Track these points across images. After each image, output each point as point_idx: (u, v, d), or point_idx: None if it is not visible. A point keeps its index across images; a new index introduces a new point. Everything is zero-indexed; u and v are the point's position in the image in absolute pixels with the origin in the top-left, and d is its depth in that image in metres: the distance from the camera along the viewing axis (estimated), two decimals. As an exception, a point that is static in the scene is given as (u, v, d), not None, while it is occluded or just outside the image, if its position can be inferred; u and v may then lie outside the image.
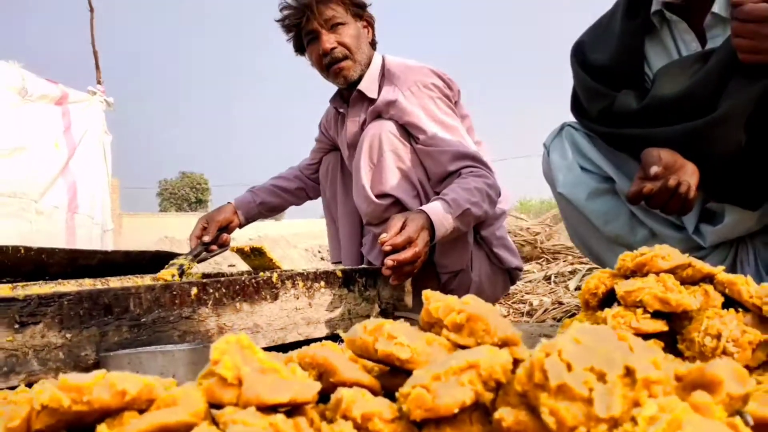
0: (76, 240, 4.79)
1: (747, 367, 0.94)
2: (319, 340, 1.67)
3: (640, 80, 1.55)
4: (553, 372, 0.49)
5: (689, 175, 1.34)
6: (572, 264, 4.06)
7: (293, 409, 0.53)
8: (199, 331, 1.51)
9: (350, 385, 0.59)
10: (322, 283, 1.74)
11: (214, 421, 0.49)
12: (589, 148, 1.66)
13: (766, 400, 0.54)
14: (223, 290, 1.57)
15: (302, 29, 2.10)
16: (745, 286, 1.03)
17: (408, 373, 0.63)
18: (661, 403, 0.44)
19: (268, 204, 2.52)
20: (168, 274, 2.11)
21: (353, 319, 1.79)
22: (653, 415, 0.43)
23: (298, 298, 1.69)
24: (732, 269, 1.56)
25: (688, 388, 0.50)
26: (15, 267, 2.20)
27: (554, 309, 3.05)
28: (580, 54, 1.63)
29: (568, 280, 3.74)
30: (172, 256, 2.91)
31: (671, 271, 1.07)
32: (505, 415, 0.51)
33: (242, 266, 2.50)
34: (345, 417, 0.54)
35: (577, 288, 3.52)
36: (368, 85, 2.14)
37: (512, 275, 2.25)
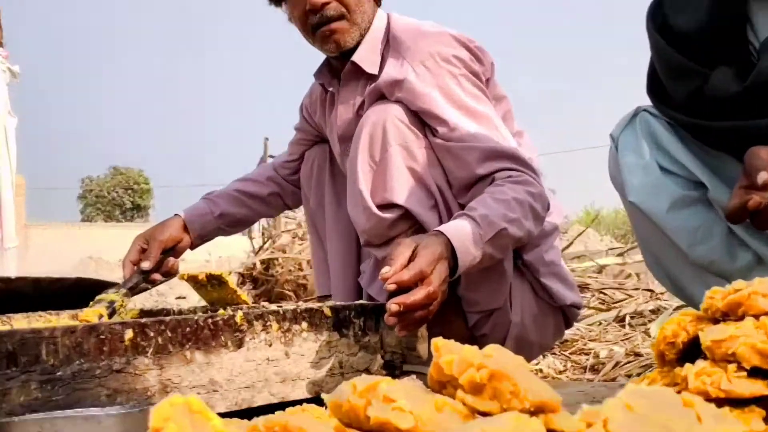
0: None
1: None
2: (299, 403, 1.70)
3: (742, 51, 1.56)
4: (595, 448, 0.53)
5: None
6: (656, 300, 4.09)
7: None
8: (135, 389, 1.54)
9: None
10: (305, 325, 1.78)
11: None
12: (673, 143, 1.69)
13: None
14: (169, 334, 1.61)
15: None
16: None
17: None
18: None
19: (231, 216, 2.51)
20: (94, 314, 2.15)
21: (346, 374, 1.82)
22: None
23: (270, 345, 1.73)
24: None
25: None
26: None
27: (629, 363, 3.07)
28: (659, 16, 1.66)
29: (650, 321, 3.76)
30: (100, 284, 2.95)
31: (774, 313, 1.10)
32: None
33: (195, 299, 2.53)
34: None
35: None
36: (366, 56, 2.15)
37: (568, 315, 2.25)
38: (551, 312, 2.21)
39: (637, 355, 3.25)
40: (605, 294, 4.37)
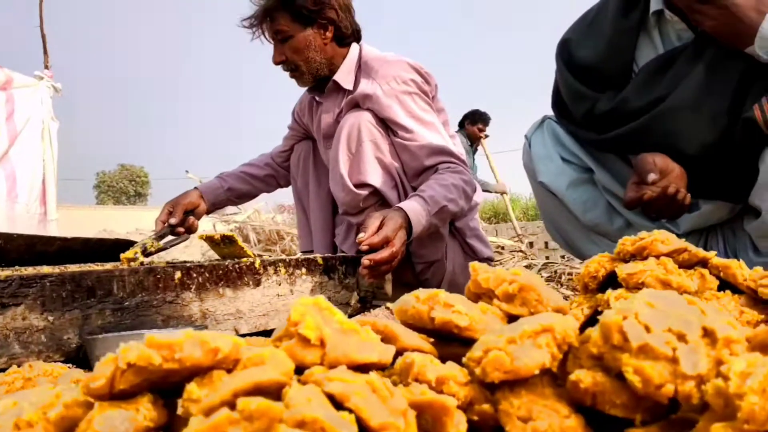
0: (16, 230, 4.58)
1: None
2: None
3: (627, 80, 1.57)
4: (632, 333, 0.50)
5: (680, 179, 1.39)
6: (526, 259, 4.15)
7: (363, 369, 0.52)
8: (182, 315, 1.47)
9: (411, 352, 0.59)
10: (304, 270, 1.72)
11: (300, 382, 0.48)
12: (569, 141, 1.69)
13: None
14: (207, 275, 1.53)
15: None
16: (740, 269, 1.07)
17: (462, 341, 0.64)
18: (748, 359, 0.46)
19: (237, 191, 2.46)
20: (131, 253, 2.04)
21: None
22: (744, 370, 0.45)
23: (280, 285, 1.67)
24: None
25: (760, 348, 0.52)
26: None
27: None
28: (566, 53, 1.65)
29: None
30: (131, 244, 2.82)
31: (669, 255, 1.10)
32: (582, 376, 0.51)
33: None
34: (417, 380, 0.54)
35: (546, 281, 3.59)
36: (344, 77, 2.13)
37: None
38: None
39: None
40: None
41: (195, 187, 2.40)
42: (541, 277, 3.70)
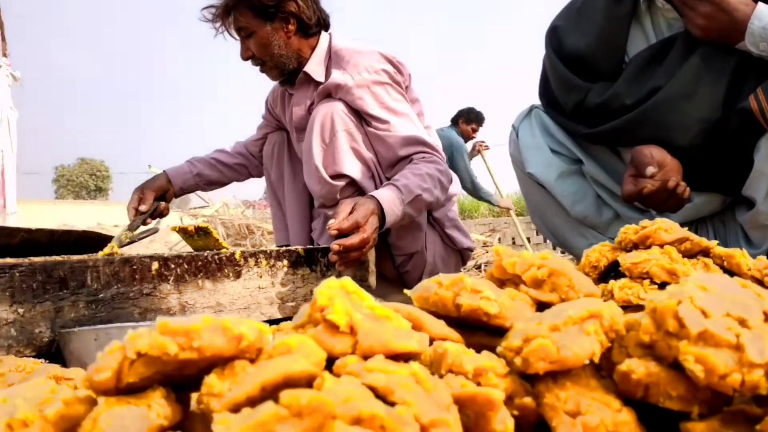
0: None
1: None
2: (283, 320, 1.59)
3: (618, 70, 1.54)
4: (690, 319, 0.46)
5: (676, 172, 1.36)
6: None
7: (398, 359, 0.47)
8: (160, 308, 1.39)
9: (438, 341, 0.54)
10: (285, 262, 1.66)
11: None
12: (557, 131, 1.66)
13: None
14: (185, 266, 1.46)
15: None
16: (743, 258, 1.05)
17: (488, 330, 0.59)
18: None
19: (206, 177, 2.39)
20: (108, 249, 1.96)
21: (315, 299, 1.72)
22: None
23: (261, 277, 1.60)
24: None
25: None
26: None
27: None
28: (555, 40, 1.61)
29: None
30: (100, 236, 2.72)
31: (671, 244, 1.07)
32: (634, 367, 0.47)
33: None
34: (451, 372, 0.49)
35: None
36: (315, 68, 2.07)
37: (464, 255, 2.24)
38: (453, 254, 2.20)
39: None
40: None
41: (164, 171, 2.32)
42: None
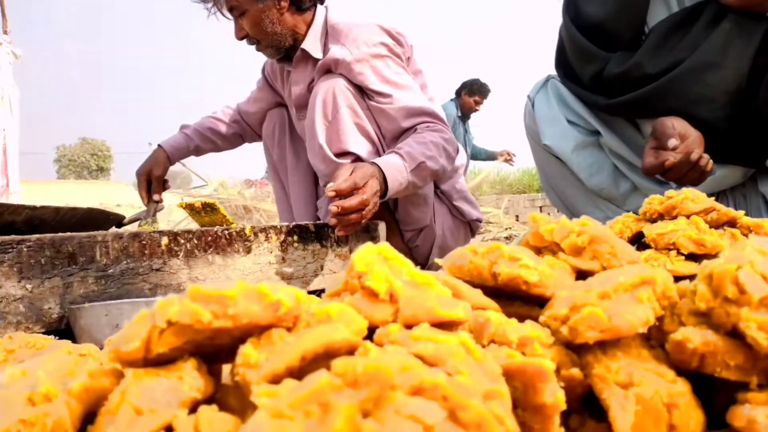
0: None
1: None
2: (294, 296, 1.57)
3: (638, 39, 1.49)
4: (751, 284, 0.43)
5: (699, 144, 1.33)
6: (507, 229, 4.12)
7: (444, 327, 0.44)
8: (170, 284, 1.37)
9: (479, 310, 0.51)
10: (296, 237, 1.63)
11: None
12: (575, 102, 1.62)
13: None
14: (195, 241, 1.43)
15: None
16: (773, 229, 1.02)
17: (525, 300, 0.56)
18: None
19: (202, 150, 2.36)
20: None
21: (326, 275, 1.70)
22: None
23: (271, 252, 1.58)
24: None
25: None
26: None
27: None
28: (573, 9, 1.56)
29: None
30: (104, 213, 2.69)
31: (698, 214, 1.04)
32: (691, 335, 0.44)
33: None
34: (494, 342, 0.46)
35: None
36: (312, 45, 2.01)
37: (473, 227, 2.21)
38: (462, 226, 2.17)
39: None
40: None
41: (159, 146, 2.27)
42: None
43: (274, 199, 2.64)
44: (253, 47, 2.05)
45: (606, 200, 1.62)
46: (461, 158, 2.14)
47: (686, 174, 1.30)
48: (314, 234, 1.68)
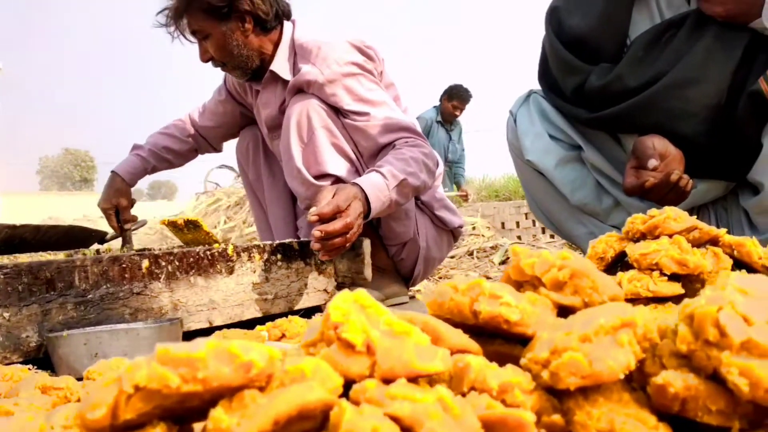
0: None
1: None
2: (278, 316, 1.55)
3: (621, 52, 1.50)
4: (731, 327, 0.43)
5: (679, 163, 1.33)
6: (493, 239, 4.11)
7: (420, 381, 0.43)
8: (151, 308, 1.35)
9: (456, 353, 0.50)
10: (279, 256, 1.62)
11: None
12: (557, 117, 1.62)
13: None
14: (176, 263, 1.42)
15: None
16: (754, 247, 1.02)
17: (506, 338, 0.55)
18: None
19: (158, 169, 2.33)
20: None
21: (310, 293, 1.68)
22: None
23: (254, 272, 1.56)
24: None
25: None
26: None
27: (483, 283, 3.04)
28: (555, 21, 1.56)
29: (491, 255, 3.77)
30: (86, 231, 2.66)
31: (680, 233, 1.04)
32: (672, 379, 0.44)
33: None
34: (474, 389, 0.45)
35: (502, 262, 3.56)
36: (281, 66, 1.99)
37: (455, 234, 2.21)
38: (445, 234, 2.17)
39: (488, 278, 3.24)
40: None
41: (114, 172, 2.24)
42: (508, 257, 3.67)
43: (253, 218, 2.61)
44: (219, 69, 2.03)
45: (589, 215, 1.62)
46: (438, 167, 2.13)
47: (666, 194, 1.31)
48: (297, 252, 1.66)
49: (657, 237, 1.05)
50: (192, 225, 2.11)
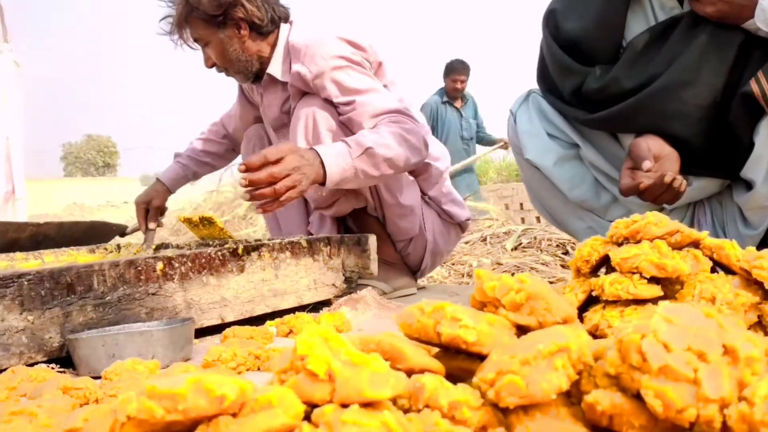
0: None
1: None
2: (288, 312, 1.63)
3: (617, 53, 1.53)
4: (651, 354, 0.48)
5: (674, 163, 1.37)
6: (507, 224, 4.15)
7: (374, 404, 0.49)
8: (166, 307, 1.43)
9: (418, 372, 0.57)
10: (288, 254, 1.69)
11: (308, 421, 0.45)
12: (556, 116, 1.66)
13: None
14: (189, 264, 1.50)
15: None
16: (733, 250, 1.06)
17: (469, 355, 0.62)
18: (772, 382, 0.45)
19: (200, 174, 2.47)
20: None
21: (319, 288, 1.76)
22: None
23: (264, 270, 1.64)
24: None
25: (780, 364, 0.50)
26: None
27: (494, 270, 3.10)
28: (552, 24, 1.59)
29: (503, 241, 3.81)
30: (108, 226, 2.77)
31: (662, 237, 1.09)
32: (600, 398, 0.50)
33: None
34: (428, 406, 0.52)
35: (514, 248, 3.61)
36: (277, 68, 2.05)
37: (462, 227, 2.26)
38: (452, 228, 2.22)
39: (499, 264, 3.30)
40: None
41: (158, 179, 2.38)
42: (521, 243, 3.72)
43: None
44: (223, 74, 2.09)
45: (588, 211, 1.67)
46: (443, 162, 2.17)
47: (661, 195, 1.35)
48: (306, 249, 1.73)
49: (639, 241, 1.10)
50: (207, 221, 2.19)
